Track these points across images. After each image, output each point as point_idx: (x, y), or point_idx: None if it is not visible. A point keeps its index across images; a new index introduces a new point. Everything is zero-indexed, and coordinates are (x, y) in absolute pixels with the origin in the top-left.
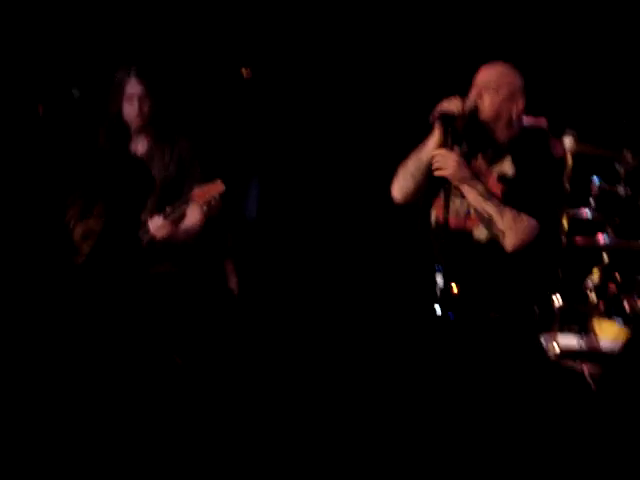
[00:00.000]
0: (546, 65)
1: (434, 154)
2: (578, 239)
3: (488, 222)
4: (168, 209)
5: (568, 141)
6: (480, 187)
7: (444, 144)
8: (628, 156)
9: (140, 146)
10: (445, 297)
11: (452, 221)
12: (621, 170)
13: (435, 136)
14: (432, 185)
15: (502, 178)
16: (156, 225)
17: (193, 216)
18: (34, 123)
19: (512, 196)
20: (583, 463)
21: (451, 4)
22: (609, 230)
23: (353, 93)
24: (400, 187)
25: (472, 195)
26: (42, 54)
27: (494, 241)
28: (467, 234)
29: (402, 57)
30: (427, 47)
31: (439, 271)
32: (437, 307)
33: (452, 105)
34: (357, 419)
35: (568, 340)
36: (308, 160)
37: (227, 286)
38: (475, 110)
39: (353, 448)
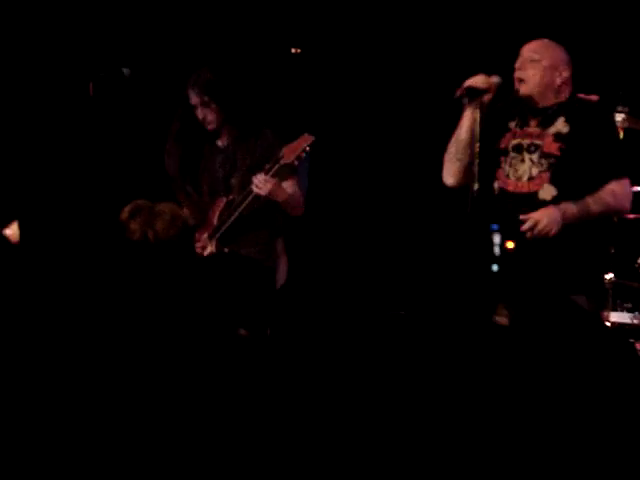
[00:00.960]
0: (597, 41)
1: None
2: (630, 215)
3: (603, 216)
4: (267, 166)
5: (620, 117)
6: (572, 212)
7: (475, 118)
8: None
9: (222, 142)
10: (503, 254)
11: (517, 186)
12: None
13: (467, 113)
14: (490, 158)
15: (558, 137)
16: (259, 181)
17: (289, 189)
18: (85, 101)
19: (571, 152)
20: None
21: None
22: None
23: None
24: (450, 172)
25: (573, 221)
26: (93, 32)
27: (559, 198)
28: (532, 195)
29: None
30: (462, 40)
31: (496, 230)
32: (495, 266)
33: (477, 80)
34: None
35: (621, 317)
36: (357, 140)
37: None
38: (500, 85)
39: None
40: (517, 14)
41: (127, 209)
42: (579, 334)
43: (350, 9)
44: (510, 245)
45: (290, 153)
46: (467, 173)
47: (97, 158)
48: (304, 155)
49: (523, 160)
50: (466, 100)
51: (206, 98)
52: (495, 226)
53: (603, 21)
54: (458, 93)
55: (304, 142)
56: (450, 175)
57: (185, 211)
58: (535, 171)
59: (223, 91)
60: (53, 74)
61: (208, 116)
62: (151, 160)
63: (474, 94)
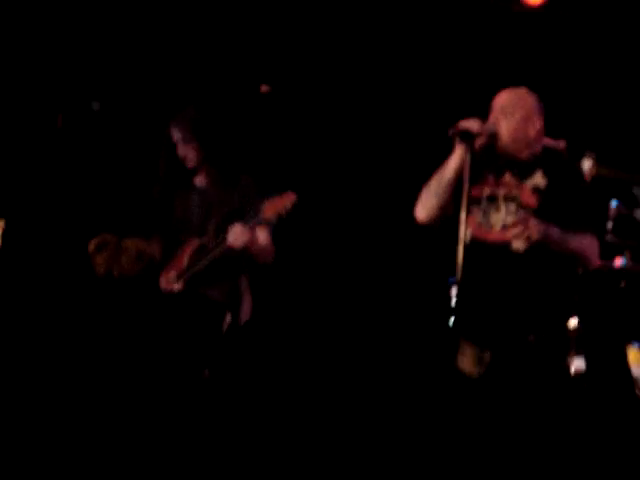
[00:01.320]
0: (566, 89)
1: (512, 232)
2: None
3: (572, 255)
4: (245, 217)
5: (587, 164)
6: (555, 234)
7: (463, 160)
8: None
9: (201, 181)
10: (460, 309)
11: (489, 235)
12: (639, 194)
13: (456, 154)
14: (463, 202)
15: (536, 190)
16: (236, 232)
17: (262, 239)
18: (53, 133)
19: (549, 207)
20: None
21: (469, 30)
22: (627, 254)
23: (374, 114)
24: (424, 207)
25: (553, 243)
26: (63, 65)
27: (532, 250)
28: (505, 245)
29: (422, 79)
30: (447, 70)
31: (453, 284)
32: (452, 319)
33: (472, 124)
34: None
35: (583, 364)
36: (326, 179)
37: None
38: (495, 136)
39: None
40: (484, 59)
41: (94, 242)
42: (541, 380)
43: (329, 51)
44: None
45: (271, 209)
46: (441, 213)
47: (65, 189)
48: (284, 216)
49: (498, 209)
50: (458, 141)
51: (188, 135)
52: (452, 279)
53: (572, 67)
54: (451, 132)
55: (287, 201)
56: (424, 209)
57: (154, 246)
58: (510, 220)
59: (205, 130)
60: (22, 106)
61: (189, 153)
62: (119, 192)
63: (467, 137)
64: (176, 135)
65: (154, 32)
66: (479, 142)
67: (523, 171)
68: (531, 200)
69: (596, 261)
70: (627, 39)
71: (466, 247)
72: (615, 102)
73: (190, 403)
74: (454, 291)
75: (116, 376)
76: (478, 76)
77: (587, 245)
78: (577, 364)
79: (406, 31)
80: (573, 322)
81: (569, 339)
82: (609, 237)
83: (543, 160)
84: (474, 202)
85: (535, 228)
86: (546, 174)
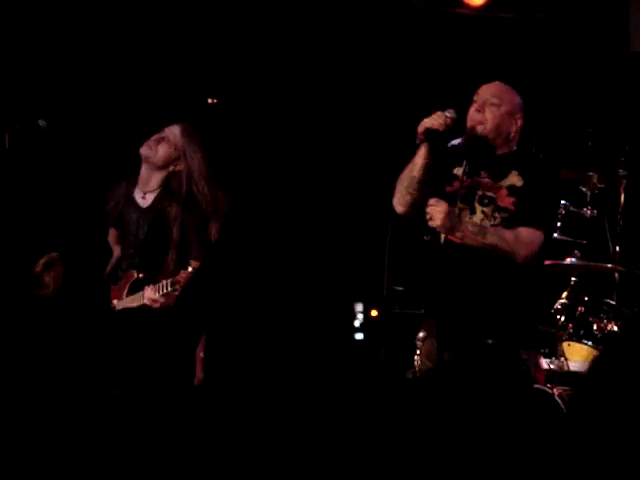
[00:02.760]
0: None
1: (428, 205)
2: (546, 262)
3: (494, 250)
4: (157, 285)
5: None
6: (470, 226)
7: (430, 159)
8: (594, 178)
9: (144, 198)
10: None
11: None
12: (587, 192)
13: (422, 153)
14: None
15: (512, 190)
16: (149, 296)
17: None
18: (0, 153)
19: (524, 206)
20: None
21: (437, 38)
22: (576, 252)
23: (345, 109)
24: (400, 201)
25: (468, 238)
26: (8, 83)
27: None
28: (477, 248)
29: (395, 75)
30: (419, 67)
31: (358, 301)
32: (359, 334)
33: (434, 121)
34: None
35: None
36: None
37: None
38: (454, 119)
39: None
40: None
41: (41, 262)
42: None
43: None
44: (374, 313)
45: (185, 280)
46: (417, 206)
47: (11, 210)
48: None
49: (473, 212)
50: (424, 142)
51: (183, 139)
52: (357, 297)
53: (517, 69)
54: (418, 133)
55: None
56: (401, 205)
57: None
58: (487, 224)
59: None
60: None
61: (160, 150)
62: (66, 213)
63: (432, 136)
64: (168, 130)
65: (96, 47)
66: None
67: (498, 170)
68: (508, 202)
69: (525, 253)
70: (569, 40)
71: (440, 249)
72: (560, 102)
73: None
74: (358, 307)
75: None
76: (424, 83)
77: (517, 238)
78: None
79: (366, 31)
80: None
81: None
82: (558, 236)
83: (520, 159)
84: (448, 200)
85: (439, 220)
86: (522, 174)
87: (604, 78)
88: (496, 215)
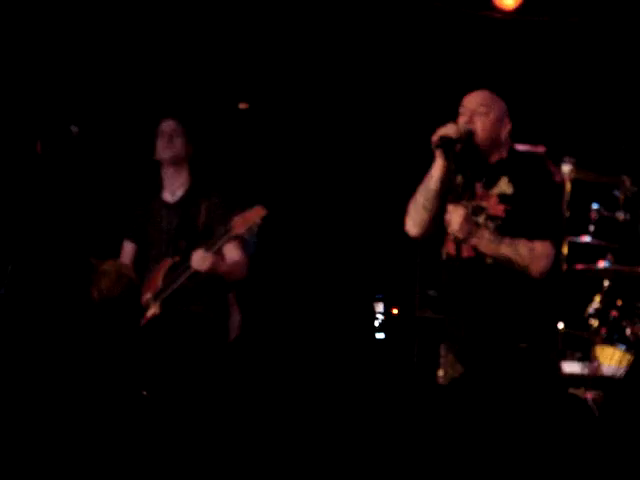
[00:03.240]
0: (545, 93)
1: (446, 212)
2: (578, 266)
3: (508, 263)
4: (208, 242)
5: (567, 168)
6: (487, 234)
7: (447, 169)
8: (627, 182)
9: (171, 196)
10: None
11: (464, 252)
12: (620, 196)
13: (438, 163)
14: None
15: (502, 198)
16: (198, 257)
17: (232, 253)
18: (32, 160)
19: (515, 213)
20: None
21: (443, 37)
22: (609, 256)
23: (347, 131)
24: (415, 222)
25: (483, 245)
26: (40, 90)
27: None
28: (479, 259)
29: (397, 91)
30: (419, 78)
31: (380, 298)
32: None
33: (449, 130)
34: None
35: (571, 367)
36: (309, 195)
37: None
38: (470, 135)
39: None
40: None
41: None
42: (532, 386)
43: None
44: (395, 312)
45: (241, 224)
46: (433, 224)
47: (45, 216)
48: (256, 229)
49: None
50: (439, 149)
51: (181, 128)
52: (380, 295)
53: (549, 73)
54: (433, 141)
55: (256, 215)
56: (415, 225)
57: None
58: None
59: (192, 129)
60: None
61: (178, 144)
62: (99, 217)
63: (448, 144)
64: (169, 126)
65: (130, 53)
66: (458, 147)
67: (490, 179)
68: (498, 210)
69: (540, 269)
70: (603, 43)
71: (442, 265)
72: (593, 106)
73: (181, 417)
74: (379, 307)
75: (103, 397)
76: (452, 83)
77: (531, 253)
78: (566, 367)
79: (377, 42)
80: (559, 325)
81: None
82: (591, 240)
83: (510, 165)
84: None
85: (457, 225)
86: (512, 181)
87: (638, 81)
88: (489, 224)
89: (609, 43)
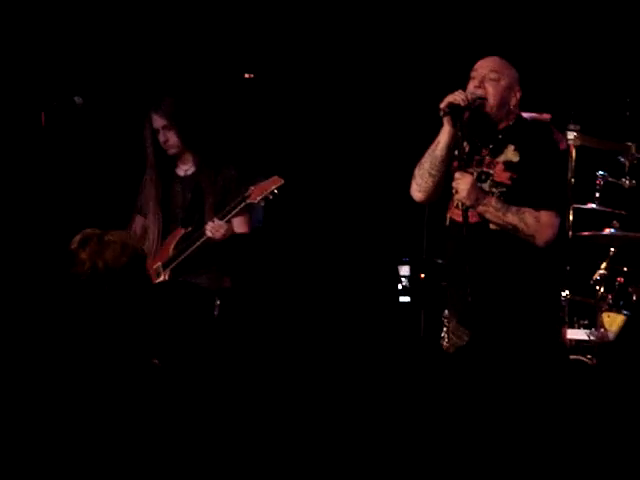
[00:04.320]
0: (549, 60)
1: (454, 179)
2: (584, 233)
3: (514, 231)
4: (223, 211)
5: (572, 135)
6: (494, 202)
7: (454, 136)
8: (632, 148)
9: (183, 170)
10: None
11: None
12: (625, 163)
13: (445, 130)
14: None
15: (508, 165)
16: (214, 226)
17: (240, 229)
18: (36, 131)
19: (521, 182)
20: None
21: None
22: (615, 223)
23: (357, 97)
24: (420, 187)
25: (490, 213)
26: (43, 62)
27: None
28: (483, 224)
29: (403, 60)
30: (426, 48)
31: (406, 262)
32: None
33: (458, 97)
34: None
35: (577, 334)
36: (315, 166)
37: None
38: (479, 102)
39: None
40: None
41: (77, 239)
42: (535, 354)
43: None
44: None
45: (257, 193)
46: (438, 190)
47: (50, 188)
48: (271, 197)
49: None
50: (447, 116)
51: (169, 121)
52: (406, 258)
53: (552, 39)
54: (441, 108)
55: (273, 184)
56: (421, 190)
57: (138, 237)
58: None
59: (185, 116)
60: (4, 104)
61: (170, 139)
62: (104, 189)
63: (456, 112)
64: (157, 121)
65: (132, 23)
66: (467, 114)
67: (496, 146)
68: (504, 177)
69: (545, 238)
70: (608, 6)
71: (446, 230)
72: (597, 72)
73: (181, 390)
74: (404, 270)
75: (104, 368)
76: (457, 50)
77: (537, 222)
78: (572, 334)
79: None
80: (564, 293)
81: (562, 309)
82: (596, 206)
83: (517, 133)
84: (448, 180)
85: (465, 192)
86: (518, 149)
87: None
88: (493, 190)
89: (614, 6)
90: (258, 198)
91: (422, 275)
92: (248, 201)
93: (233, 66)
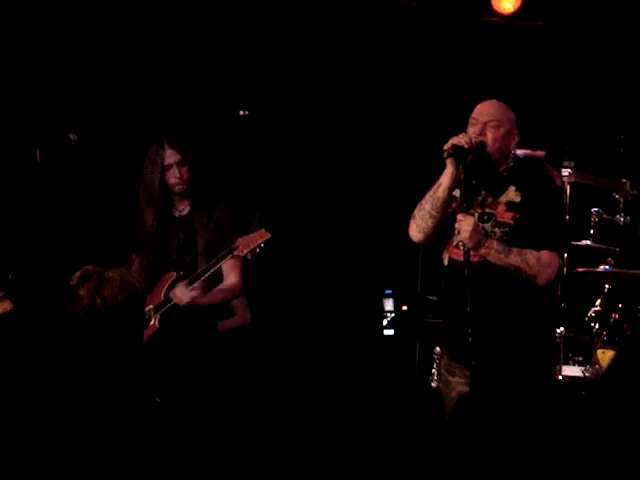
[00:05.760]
0: (544, 98)
1: (456, 220)
2: (579, 269)
3: (516, 271)
4: (194, 275)
5: (566, 171)
6: (495, 244)
7: (457, 178)
8: (627, 185)
9: (178, 211)
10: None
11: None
12: (620, 199)
13: (448, 171)
14: (444, 229)
15: (510, 206)
16: (178, 292)
17: (229, 274)
18: (31, 168)
19: (524, 221)
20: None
21: (445, 44)
22: (610, 260)
23: (350, 136)
24: (420, 227)
25: (492, 255)
26: (38, 99)
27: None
28: (486, 265)
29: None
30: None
31: (389, 295)
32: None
33: (462, 139)
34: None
35: (572, 371)
36: (311, 199)
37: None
38: (482, 145)
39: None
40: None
41: (77, 275)
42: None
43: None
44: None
45: (245, 246)
46: (437, 231)
47: (45, 224)
48: (258, 251)
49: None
50: (450, 158)
51: (184, 157)
52: (389, 291)
53: (547, 77)
54: (445, 149)
55: (260, 238)
56: (420, 231)
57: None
58: None
59: (195, 153)
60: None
61: (185, 175)
62: (99, 225)
63: (459, 155)
64: (172, 157)
65: (126, 61)
66: (470, 157)
67: (497, 187)
68: (507, 217)
69: (546, 278)
70: (602, 47)
71: (445, 270)
72: (591, 109)
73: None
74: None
75: (104, 407)
76: (452, 88)
77: (539, 262)
78: (568, 371)
79: (377, 49)
80: (559, 330)
81: (557, 346)
82: (591, 243)
83: (517, 173)
84: (448, 222)
85: (467, 234)
86: (520, 189)
87: (637, 85)
88: (496, 230)
89: (607, 47)
90: (245, 251)
91: (404, 307)
92: (235, 253)
93: (227, 104)
